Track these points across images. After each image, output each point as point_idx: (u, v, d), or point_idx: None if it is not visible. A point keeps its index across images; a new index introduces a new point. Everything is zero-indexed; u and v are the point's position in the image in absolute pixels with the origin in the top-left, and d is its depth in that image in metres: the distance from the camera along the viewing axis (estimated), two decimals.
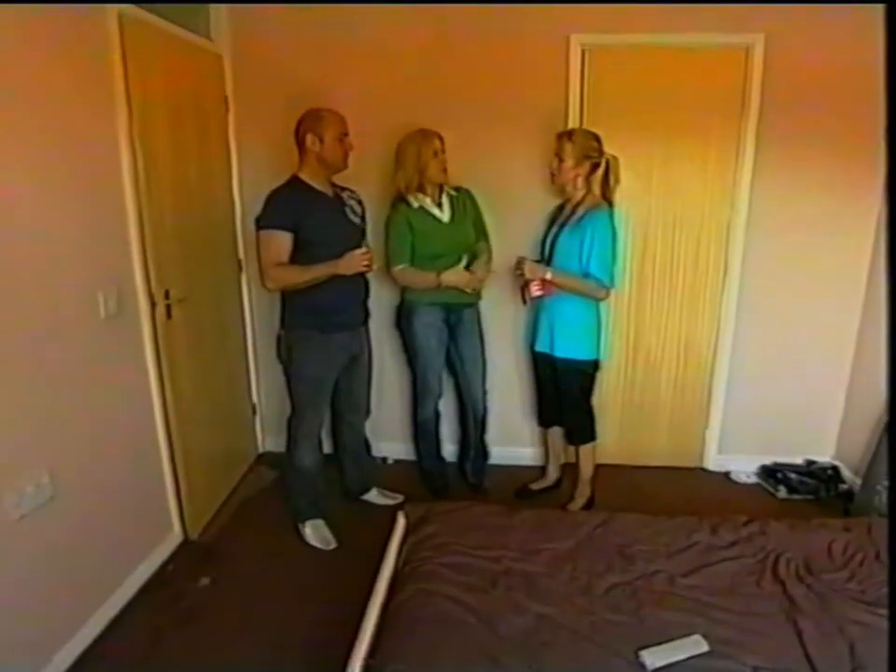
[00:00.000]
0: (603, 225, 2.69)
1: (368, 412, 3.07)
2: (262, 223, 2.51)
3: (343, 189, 2.73)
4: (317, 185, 2.58)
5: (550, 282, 2.73)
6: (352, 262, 2.49)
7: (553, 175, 2.83)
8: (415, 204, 2.85)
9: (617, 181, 2.80)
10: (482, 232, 3.08)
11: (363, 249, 2.53)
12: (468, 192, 3.01)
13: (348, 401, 2.94)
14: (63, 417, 2.11)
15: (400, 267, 2.89)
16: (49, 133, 2.03)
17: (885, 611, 1.77)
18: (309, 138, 2.52)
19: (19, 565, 1.93)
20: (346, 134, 2.58)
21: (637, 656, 1.64)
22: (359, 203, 2.78)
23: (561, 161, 2.75)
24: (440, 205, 2.90)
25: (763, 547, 2.14)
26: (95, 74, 2.26)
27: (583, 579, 1.97)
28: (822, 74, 2.92)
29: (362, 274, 2.65)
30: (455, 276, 2.86)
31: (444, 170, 2.84)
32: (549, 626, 1.76)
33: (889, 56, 1.14)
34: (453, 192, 2.95)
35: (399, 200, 2.88)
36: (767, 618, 1.80)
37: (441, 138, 2.81)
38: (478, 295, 3.10)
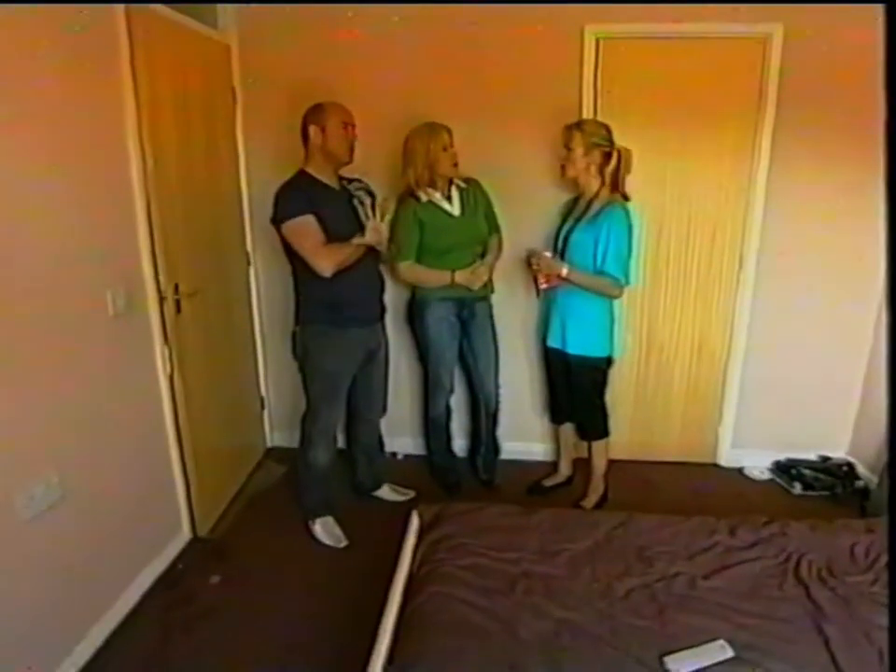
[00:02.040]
0: (619, 221, 2.62)
1: (385, 409, 3.03)
2: (282, 215, 2.41)
3: (351, 180, 2.68)
4: (324, 179, 2.53)
5: (564, 278, 2.68)
6: (376, 232, 2.46)
7: (563, 168, 2.75)
8: (424, 199, 2.80)
9: (628, 171, 2.72)
10: (493, 224, 3.03)
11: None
12: (477, 183, 2.96)
13: (365, 399, 2.90)
14: (73, 417, 2.08)
15: (406, 263, 2.84)
16: (55, 128, 1.98)
17: None
18: (312, 130, 2.47)
19: (29, 566, 1.91)
20: (351, 124, 2.52)
21: (662, 662, 1.61)
22: (369, 192, 2.71)
23: (570, 150, 2.68)
24: (449, 199, 2.85)
25: (783, 548, 2.10)
26: (103, 66, 2.20)
27: (603, 581, 1.94)
28: (841, 65, 2.84)
29: (377, 268, 2.61)
30: (467, 276, 2.85)
31: (455, 164, 2.78)
32: (570, 631, 1.73)
33: (888, 56, 1.11)
34: (462, 185, 2.89)
35: (408, 194, 2.83)
36: (791, 622, 1.77)
37: (449, 131, 2.75)
38: (490, 288, 3.06)
